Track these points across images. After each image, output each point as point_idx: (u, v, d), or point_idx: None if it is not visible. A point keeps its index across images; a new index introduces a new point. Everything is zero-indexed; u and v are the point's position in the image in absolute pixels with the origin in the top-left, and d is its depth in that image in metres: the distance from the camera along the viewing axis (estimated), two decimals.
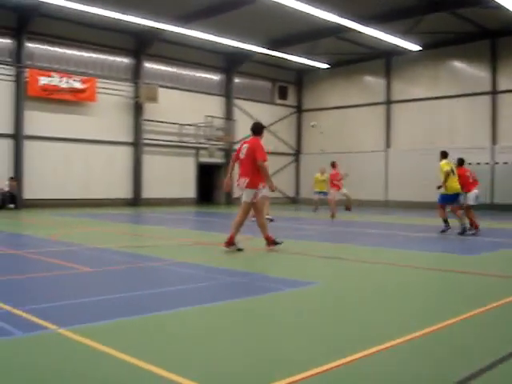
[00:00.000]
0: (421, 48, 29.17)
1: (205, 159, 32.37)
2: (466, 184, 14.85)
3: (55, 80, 26.01)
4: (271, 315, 5.54)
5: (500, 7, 22.47)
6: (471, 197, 14.83)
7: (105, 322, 5.03)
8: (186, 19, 25.66)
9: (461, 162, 15.32)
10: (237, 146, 11.22)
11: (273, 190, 10.75)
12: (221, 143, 32.49)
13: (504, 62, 28.68)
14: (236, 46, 29.25)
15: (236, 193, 11.09)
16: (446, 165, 14.53)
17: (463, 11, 25.11)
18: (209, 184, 33.43)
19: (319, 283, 7.24)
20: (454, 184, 14.52)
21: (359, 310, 5.81)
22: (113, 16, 24.07)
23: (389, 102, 33.16)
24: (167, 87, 30.56)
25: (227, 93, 33.73)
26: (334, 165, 21.64)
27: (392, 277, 8.08)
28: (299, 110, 38.05)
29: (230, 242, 10.33)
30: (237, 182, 10.86)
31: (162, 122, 30.07)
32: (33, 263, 8.90)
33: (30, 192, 25.57)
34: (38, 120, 25.88)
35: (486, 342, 4.59)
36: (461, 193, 14.72)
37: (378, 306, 6.03)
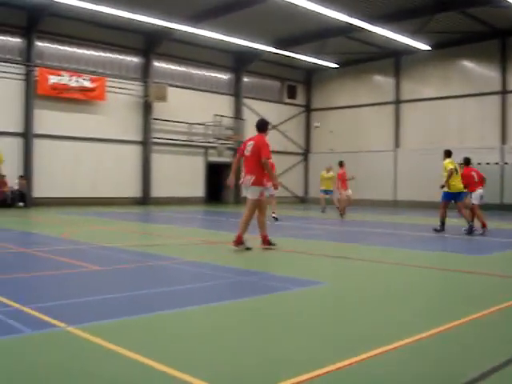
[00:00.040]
0: (430, 48, 29.07)
1: (214, 158, 32.40)
2: (471, 184, 14.82)
3: (65, 79, 26.12)
4: (278, 314, 5.53)
5: (510, 6, 22.38)
6: (475, 196, 14.78)
7: (114, 320, 5.06)
8: (195, 19, 25.70)
9: (467, 162, 15.27)
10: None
11: (276, 188, 10.71)
12: (230, 142, 32.50)
13: None
14: (245, 45, 29.28)
15: (244, 191, 11.02)
16: (449, 163, 14.55)
17: (473, 10, 25.02)
18: (217, 183, 33.44)
19: (327, 283, 7.23)
20: (457, 183, 14.51)
21: (366, 309, 5.80)
22: (122, 15, 24.16)
23: (398, 102, 33.08)
24: (176, 86, 30.62)
25: (236, 92, 33.76)
26: (341, 164, 21.63)
27: (400, 277, 8.06)
28: (308, 109, 38.02)
29: (239, 241, 10.33)
30: (241, 180, 10.78)
31: (171, 121, 30.15)
32: (42, 261, 8.94)
33: (39, 190, 25.68)
34: (47, 119, 25.99)
35: (495, 343, 4.58)
36: (463, 191, 14.71)
37: (385, 306, 6.02)
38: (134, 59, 29.41)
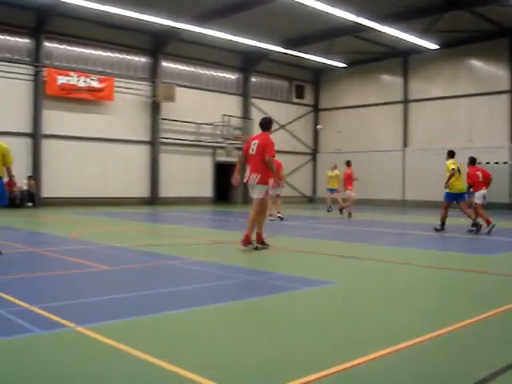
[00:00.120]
0: (438, 47, 29.00)
1: (222, 158, 32.40)
2: (476, 183, 14.77)
3: (73, 79, 26.20)
4: (287, 314, 5.53)
5: None
6: (478, 196, 14.73)
7: (122, 320, 5.07)
8: (203, 18, 25.72)
9: (472, 161, 15.22)
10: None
11: (277, 186, 10.66)
12: (238, 142, 32.50)
13: None
14: (253, 45, 29.29)
15: (250, 190, 10.96)
16: (452, 164, 14.53)
17: (481, 9, 24.93)
18: (226, 183, 33.38)
19: (336, 283, 7.23)
20: (459, 183, 14.49)
21: (375, 309, 5.79)
22: (130, 15, 24.22)
23: (406, 101, 32.99)
24: (184, 86, 30.65)
25: (244, 92, 33.76)
26: (348, 164, 21.59)
27: (408, 277, 8.04)
28: (316, 109, 37.98)
29: (247, 241, 10.33)
30: (246, 178, 10.70)
31: (179, 121, 30.18)
32: (51, 261, 8.98)
33: (47, 190, 25.78)
34: (55, 119, 26.08)
35: (506, 343, 4.57)
36: (465, 192, 14.67)
37: (394, 305, 6.01)
38: (142, 59, 29.46)
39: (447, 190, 14.64)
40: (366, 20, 24.50)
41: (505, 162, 28.20)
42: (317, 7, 22.40)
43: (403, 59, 32.77)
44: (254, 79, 34.34)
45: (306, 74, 37.12)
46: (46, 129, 25.72)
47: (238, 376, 3.70)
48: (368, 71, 34.49)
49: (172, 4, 24.16)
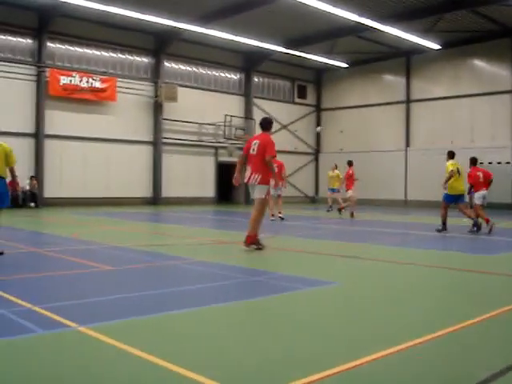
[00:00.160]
0: (440, 47, 28.99)
1: (224, 158, 32.42)
2: (476, 184, 14.76)
3: (76, 80, 26.23)
4: (289, 314, 5.54)
5: None
6: (477, 196, 14.71)
7: (125, 320, 5.08)
8: (205, 19, 25.74)
9: (473, 162, 15.19)
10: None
11: (276, 186, 10.68)
12: (240, 142, 32.50)
13: None
14: (255, 45, 29.29)
15: (250, 190, 10.96)
16: (451, 165, 14.42)
17: (483, 9, 24.91)
18: (228, 183, 33.37)
19: (337, 283, 7.23)
20: (458, 185, 14.40)
21: (377, 309, 5.79)
22: (133, 16, 24.25)
23: (408, 101, 32.97)
24: (186, 86, 30.67)
25: (246, 92, 33.76)
26: (350, 163, 21.57)
27: (410, 277, 8.04)
28: (318, 109, 37.97)
29: (249, 241, 10.34)
30: (246, 178, 10.70)
31: (181, 121, 30.20)
32: (53, 261, 8.99)
33: (50, 191, 25.82)
34: (58, 119, 26.12)
35: (507, 343, 4.56)
36: (463, 194, 14.65)
37: (395, 305, 6.01)
38: (144, 59, 29.49)
39: (446, 192, 14.58)
40: (368, 20, 24.50)
41: (507, 162, 28.18)
42: (319, 7, 22.41)
43: (405, 59, 32.76)
44: (255, 79, 34.35)
45: (308, 74, 37.12)
46: (49, 129, 25.76)
47: (241, 376, 3.71)
48: (370, 71, 34.47)
49: (174, 4, 24.18)
